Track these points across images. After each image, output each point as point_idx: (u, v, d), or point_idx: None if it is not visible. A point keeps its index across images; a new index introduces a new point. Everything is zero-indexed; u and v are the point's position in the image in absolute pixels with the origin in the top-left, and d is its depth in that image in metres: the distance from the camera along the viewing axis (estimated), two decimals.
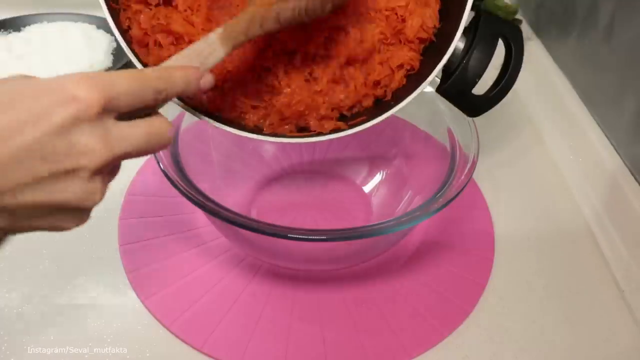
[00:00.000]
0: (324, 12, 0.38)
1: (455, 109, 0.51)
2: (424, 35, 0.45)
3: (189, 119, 0.50)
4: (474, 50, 0.45)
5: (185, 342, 0.45)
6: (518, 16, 0.89)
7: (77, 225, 0.31)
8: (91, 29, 0.81)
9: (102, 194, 0.30)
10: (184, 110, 0.43)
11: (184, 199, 0.42)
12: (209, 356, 0.45)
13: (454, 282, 0.51)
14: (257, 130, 0.45)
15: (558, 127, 0.70)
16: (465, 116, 0.50)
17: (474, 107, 0.48)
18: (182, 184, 0.43)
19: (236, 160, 0.59)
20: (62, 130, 0.27)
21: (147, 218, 0.55)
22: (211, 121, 0.43)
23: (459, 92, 0.47)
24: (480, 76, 0.46)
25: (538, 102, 0.75)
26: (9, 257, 0.51)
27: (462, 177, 0.45)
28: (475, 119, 0.50)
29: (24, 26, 0.82)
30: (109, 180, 0.32)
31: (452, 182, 0.46)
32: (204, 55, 0.34)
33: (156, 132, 0.32)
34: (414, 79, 0.46)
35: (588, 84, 0.67)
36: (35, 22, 0.82)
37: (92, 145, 0.28)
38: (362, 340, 0.46)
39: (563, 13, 0.75)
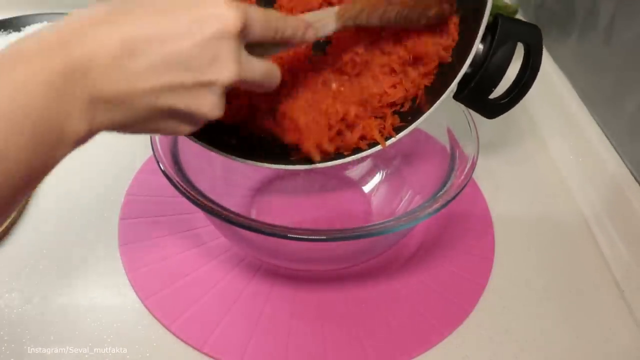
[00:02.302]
0: (419, 23, 0.43)
1: (455, 109, 0.51)
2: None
3: None
4: (492, 57, 0.44)
5: (185, 342, 0.45)
6: (518, 16, 0.89)
7: (190, 132, 0.34)
8: None
9: (222, 110, 0.33)
10: None
11: (184, 199, 0.42)
12: (209, 356, 0.45)
13: (454, 282, 0.51)
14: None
15: (558, 127, 0.70)
16: (465, 116, 0.50)
17: (491, 110, 0.49)
18: (182, 184, 0.43)
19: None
20: (209, 43, 0.30)
21: (147, 218, 0.55)
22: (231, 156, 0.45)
23: (476, 98, 0.47)
24: (498, 83, 0.46)
25: (538, 102, 0.75)
26: (9, 257, 0.52)
27: (462, 177, 0.45)
28: (475, 119, 0.50)
29: (24, 26, 0.82)
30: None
31: (452, 182, 0.46)
32: (320, 22, 0.39)
33: (271, 72, 0.35)
34: (432, 90, 0.46)
35: (588, 84, 0.67)
36: (35, 22, 0.82)
37: (230, 63, 0.31)
38: (362, 340, 0.46)
39: (563, 13, 0.75)
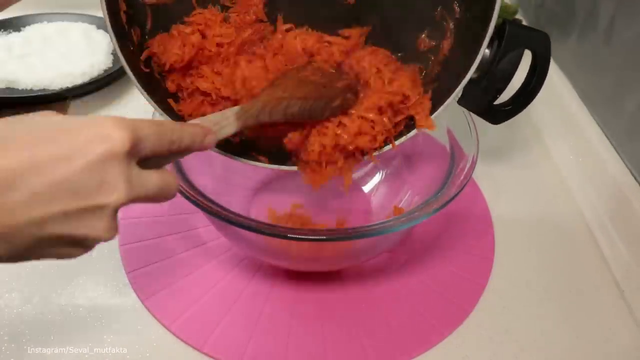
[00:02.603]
0: (322, 117, 0.44)
1: (455, 110, 0.51)
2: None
3: None
4: (498, 62, 0.44)
5: (185, 342, 0.45)
6: (518, 16, 0.89)
7: (81, 254, 0.31)
8: (91, 29, 0.81)
9: (116, 230, 0.31)
10: None
11: (184, 199, 0.42)
12: (209, 356, 0.45)
13: (454, 282, 0.51)
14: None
15: (558, 127, 0.70)
16: (464, 116, 0.50)
17: (495, 117, 0.48)
18: (182, 184, 0.43)
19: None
20: (95, 166, 0.28)
21: (147, 218, 0.55)
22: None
23: (481, 104, 0.47)
24: (503, 89, 0.45)
25: (538, 102, 0.75)
26: None
27: (462, 177, 0.45)
28: (475, 119, 0.50)
29: (24, 26, 0.82)
30: None
31: (452, 182, 0.46)
32: (219, 125, 0.38)
33: (167, 184, 0.33)
34: (438, 94, 0.46)
35: (588, 84, 0.67)
36: (35, 22, 0.82)
37: (120, 185, 0.29)
38: (362, 340, 0.46)
39: (563, 13, 0.75)
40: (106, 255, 0.52)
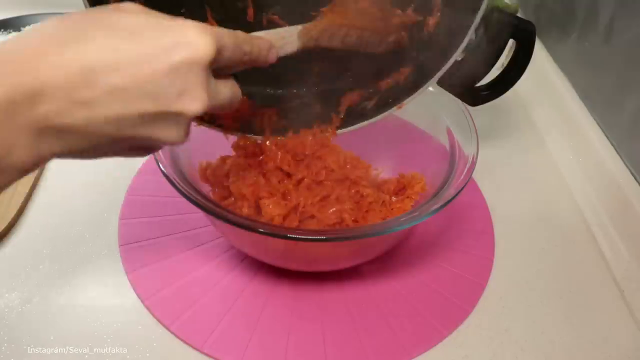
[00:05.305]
0: (379, 48, 0.44)
1: (455, 109, 0.51)
2: None
3: None
4: (482, 49, 0.44)
5: (185, 342, 0.45)
6: (518, 16, 0.89)
7: (149, 155, 0.33)
8: None
9: (187, 137, 0.31)
10: None
11: (184, 199, 0.42)
12: (209, 356, 0.45)
13: (454, 282, 0.51)
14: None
15: (558, 127, 0.70)
16: (465, 116, 0.50)
17: (474, 99, 0.48)
18: (182, 184, 0.43)
19: None
20: (178, 72, 0.28)
21: (147, 218, 0.55)
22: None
23: (461, 87, 0.47)
24: (484, 75, 0.45)
25: (538, 102, 0.75)
26: (9, 257, 0.52)
27: (462, 177, 0.45)
28: (475, 119, 0.50)
29: (24, 26, 0.82)
30: None
31: (452, 182, 0.46)
32: (284, 40, 0.39)
33: (236, 94, 0.34)
34: (422, 73, 0.46)
35: (588, 84, 0.67)
36: (35, 22, 0.82)
37: (199, 94, 0.29)
38: (362, 340, 0.46)
39: (563, 13, 0.75)
40: (106, 255, 0.52)
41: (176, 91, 0.28)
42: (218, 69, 0.32)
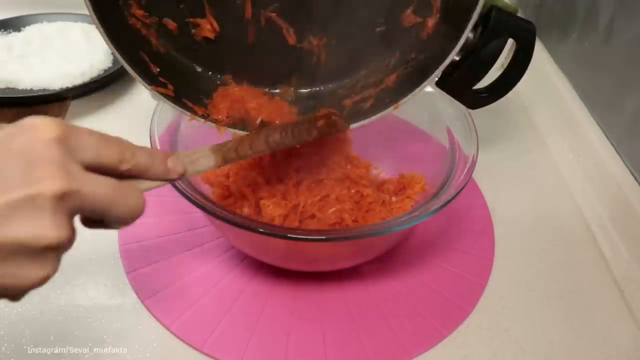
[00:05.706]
0: (310, 137, 0.42)
1: (455, 109, 0.51)
2: None
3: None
4: (481, 48, 0.43)
5: (185, 342, 0.45)
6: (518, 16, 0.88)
7: (43, 276, 0.27)
8: (91, 29, 0.81)
9: (69, 231, 0.27)
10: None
11: (184, 199, 0.42)
12: (209, 356, 0.45)
13: (454, 282, 0.51)
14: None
15: (558, 127, 0.70)
16: (465, 116, 0.50)
17: (472, 101, 0.48)
18: (182, 184, 0.43)
19: None
20: (18, 153, 0.25)
21: (147, 218, 0.55)
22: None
23: (459, 88, 0.46)
24: (482, 76, 0.45)
25: (538, 102, 0.75)
26: None
27: (462, 177, 0.45)
28: (475, 119, 0.50)
29: (24, 26, 0.82)
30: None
31: (452, 182, 0.46)
32: (193, 158, 0.36)
33: (123, 195, 0.29)
34: (419, 73, 0.45)
35: (588, 84, 0.67)
36: (35, 22, 0.82)
37: (51, 169, 0.25)
38: (362, 340, 0.46)
39: (563, 13, 0.75)
40: (106, 255, 0.52)
41: (19, 171, 0.24)
42: (95, 167, 0.28)
